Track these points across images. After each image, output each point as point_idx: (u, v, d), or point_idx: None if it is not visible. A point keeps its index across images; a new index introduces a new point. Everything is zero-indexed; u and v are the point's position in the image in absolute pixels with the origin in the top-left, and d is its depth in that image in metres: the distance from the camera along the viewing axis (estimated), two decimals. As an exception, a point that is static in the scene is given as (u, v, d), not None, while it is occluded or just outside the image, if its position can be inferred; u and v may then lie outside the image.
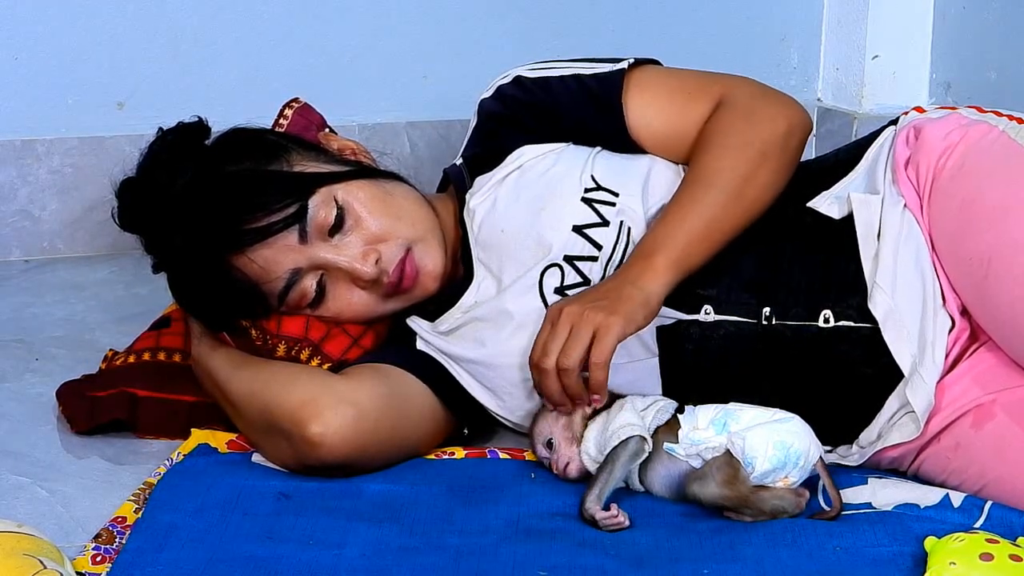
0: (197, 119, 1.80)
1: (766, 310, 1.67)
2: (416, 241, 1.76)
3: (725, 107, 1.75)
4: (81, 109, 2.53)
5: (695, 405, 1.60)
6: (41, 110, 2.51)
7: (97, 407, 1.84)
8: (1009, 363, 1.61)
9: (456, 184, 1.86)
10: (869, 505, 1.57)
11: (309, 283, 1.73)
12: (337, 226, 1.72)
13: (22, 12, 2.47)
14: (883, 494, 1.58)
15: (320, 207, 1.72)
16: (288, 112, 2.00)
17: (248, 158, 1.75)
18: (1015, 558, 1.38)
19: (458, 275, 1.82)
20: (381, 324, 1.83)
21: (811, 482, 1.57)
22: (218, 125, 1.82)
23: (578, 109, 1.80)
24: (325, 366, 1.75)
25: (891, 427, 1.64)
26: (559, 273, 1.72)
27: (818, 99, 2.91)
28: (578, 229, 1.73)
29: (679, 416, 1.59)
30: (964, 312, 1.64)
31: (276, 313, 1.76)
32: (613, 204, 1.73)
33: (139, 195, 1.76)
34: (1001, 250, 1.56)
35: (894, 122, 1.76)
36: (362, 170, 1.80)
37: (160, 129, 1.81)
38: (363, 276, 1.72)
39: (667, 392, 1.69)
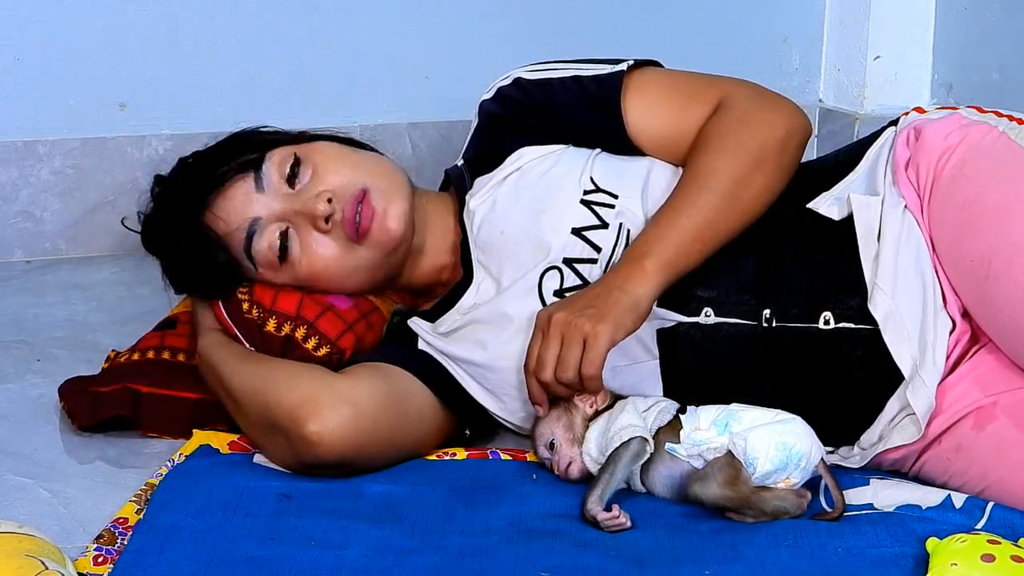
0: None
1: (766, 312, 1.67)
2: (372, 186, 1.76)
3: (723, 110, 1.74)
4: (83, 110, 2.53)
5: (697, 406, 1.61)
6: (43, 111, 2.51)
7: (100, 402, 1.84)
8: (1010, 365, 1.60)
9: (456, 185, 1.86)
10: (871, 506, 1.57)
11: (272, 234, 1.75)
12: (294, 174, 1.75)
13: (23, 13, 2.47)
14: (885, 495, 1.58)
15: (277, 159, 1.76)
16: None
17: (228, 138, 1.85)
18: (1017, 559, 1.38)
19: (457, 276, 1.82)
20: (376, 315, 1.83)
21: (812, 483, 1.57)
22: (219, 126, 1.83)
23: (577, 111, 1.80)
24: (323, 349, 1.77)
25: (892, 429, 1.64)
26: (558, 276, 1.72)
27: (819, 100, 2.91)
28: (577, 232, 1.73)
29: (681, 417, 1.59)
30: (965, 314, 1.64)
31: (255, 278, 1.78)
32: (612, 206, 1.73)
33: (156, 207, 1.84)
34: (1001, 251, 1.56)
35: (894, 122, 1.76)
36: (331, 136, 1.85)
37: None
38: (316, 212, 1.73)
39: (668, 394, 1.69)
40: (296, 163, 1.75)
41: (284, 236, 1.75)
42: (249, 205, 1.75)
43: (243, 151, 1.78)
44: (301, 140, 1.81)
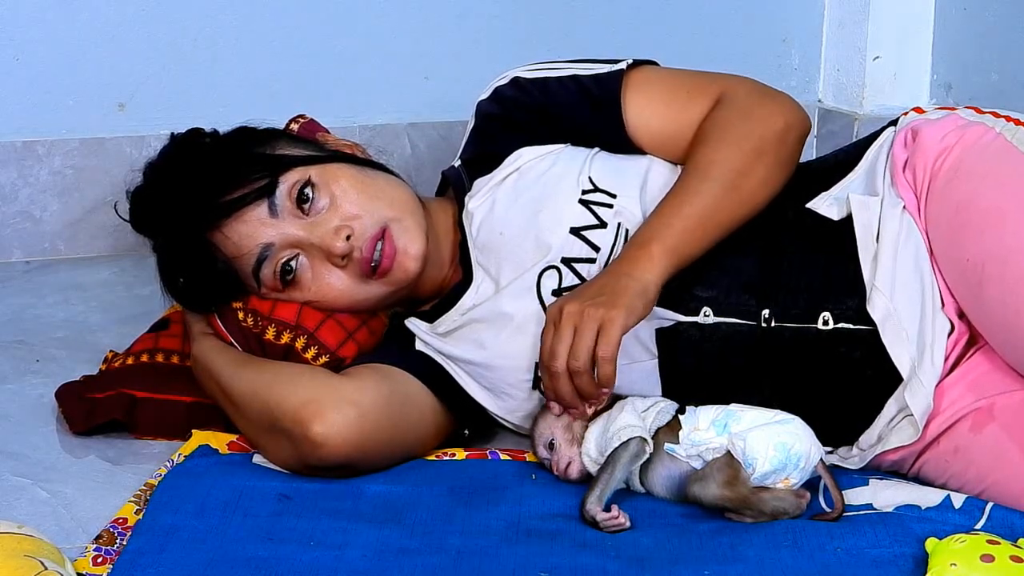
0: (214, 131, 1.84)
1: (765, 312, 1.67)
2: (392, 221, 1.74)
3: (723, 105, 1.75)
4: (82, 110, 2.53)
5: (696, 406, 1.61)
6: (42, 111, 2.51)
7: (95, 408, 1.84)
8: (1007, 367, 1.60)
9: (455, 186, 1.86)
10: (870, 506, 1.57)
11: (281, 261, 1.73)
12: (308, 201, 1.72)
13: (23, 13, 2.47)
14: (884, 495, 1.58)
15: (292, 183, 1.73)
16: (294, 127, 2.01)
17: (235, 143, 1.79)
18: (1016, 559, 1.38)
19: (457, 278, 1.82)
20: (376, 320, 1.83)
21: (812, 483, 1.57)
22: (219, 126, 1.83)
23: (576, 110, 1.80)
24: (323, 359, 1.76)
25: (891, 430, 1.64)
26: (556, 275, 1.72)
27: (819, 100, 2.91)
28: (575, 231, 1.73)
29: (680, 417, 1.59)
30: (962, 315, 1.63)
31: (258, 296, 1.76)
32: (611, 206, 1.74)
33: (146, 191, 1.80)
34: (994, 255, 1.56)
35: (894, 122, 1.76)
36: (343, 156, 1.81)
37: (172, 134, 1.83)
38: (334, 251, 1.71)
39: (666, 394, 1.69)
40: (311, 187, 1.72)
41: (289, 263, 1.73)
42: (262, 231, 1.72)
43: (255, 168, 1.73)
44: (315, 161, 1.76)
